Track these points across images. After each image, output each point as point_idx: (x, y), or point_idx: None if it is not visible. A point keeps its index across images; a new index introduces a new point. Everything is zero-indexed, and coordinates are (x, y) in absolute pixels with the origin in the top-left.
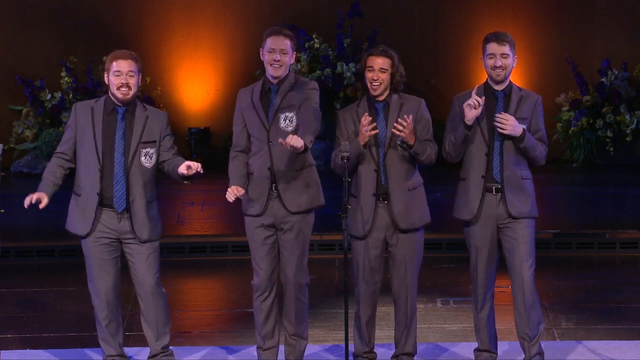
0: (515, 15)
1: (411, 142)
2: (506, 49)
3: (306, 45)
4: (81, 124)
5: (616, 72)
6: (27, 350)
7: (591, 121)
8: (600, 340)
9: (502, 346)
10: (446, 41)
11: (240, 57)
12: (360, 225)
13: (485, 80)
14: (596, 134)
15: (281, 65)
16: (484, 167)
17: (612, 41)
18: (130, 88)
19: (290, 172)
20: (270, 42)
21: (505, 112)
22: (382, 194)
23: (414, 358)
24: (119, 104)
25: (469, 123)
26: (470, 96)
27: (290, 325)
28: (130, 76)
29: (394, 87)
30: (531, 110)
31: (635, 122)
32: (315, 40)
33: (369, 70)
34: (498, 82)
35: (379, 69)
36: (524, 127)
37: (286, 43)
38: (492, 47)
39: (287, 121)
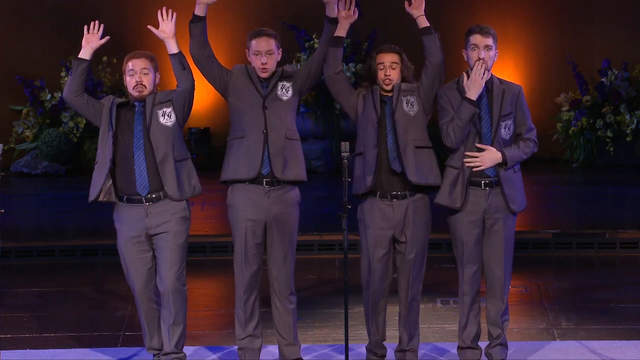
0: (515, 15)
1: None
2: (489, 41)
3: (306, 45)
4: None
5: (616, 72)
6: (27, 350)
7: (591, 121)
8: (600, 340)
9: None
10: (446, 41)
11: (241, 57)
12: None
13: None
14: (596, 134)
15: (268, 68)
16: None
17: (612, 41)
18: None
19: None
20: (255, 44)
21: (490, 105)
22: None
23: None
24: None
25: (474, 98)
26: (455, 86)
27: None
28: None
29: (402, 81)
30: (515, 103)
31: (635, 122)
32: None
33: (380, 68)
34: None
35: (389, 65)
36: (502, 150)
37: (271, 43)
38: (476, 39)
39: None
